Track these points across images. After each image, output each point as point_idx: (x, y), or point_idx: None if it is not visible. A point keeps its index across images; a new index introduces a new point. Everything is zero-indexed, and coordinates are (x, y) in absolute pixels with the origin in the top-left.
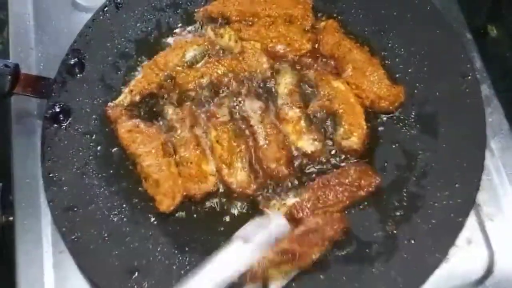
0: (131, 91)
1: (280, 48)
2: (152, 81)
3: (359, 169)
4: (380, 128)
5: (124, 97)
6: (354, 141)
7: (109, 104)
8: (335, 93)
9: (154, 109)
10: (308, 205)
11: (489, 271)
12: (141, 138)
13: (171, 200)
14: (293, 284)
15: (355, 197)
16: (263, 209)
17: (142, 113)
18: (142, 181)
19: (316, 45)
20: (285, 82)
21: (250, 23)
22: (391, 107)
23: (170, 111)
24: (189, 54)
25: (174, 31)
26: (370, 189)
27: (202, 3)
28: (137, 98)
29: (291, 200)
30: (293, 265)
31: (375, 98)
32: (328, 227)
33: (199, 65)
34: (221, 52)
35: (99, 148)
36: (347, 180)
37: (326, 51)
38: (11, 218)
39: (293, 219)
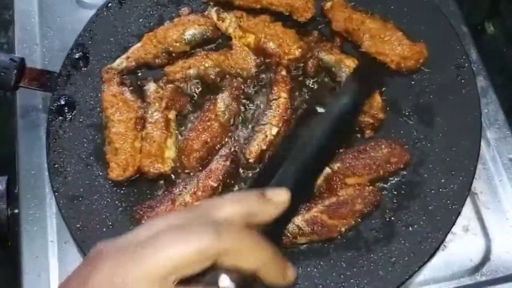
0: (128, 57)
1: (270, 46)
2: (149, 51)
3: (391, 144)
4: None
5: (120, 62)
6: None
7: (106, 67)
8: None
9: (138, 83)
10: (340, 176)
11: (486, 258)
12: (121, 106)
13: (122, 171)
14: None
15: (384, 170)
16: None
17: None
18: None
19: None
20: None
21: (253, 16)
22: (417, 65)
23: (151, 87)
24: (189, 33)
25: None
26: (399, 165)
27: None
28: (133, 64)
29: None
30: (320, 237)
31: (399, 60)
32: (358, 200)
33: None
34: (220, 39)
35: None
36: (378, 154)
37: (339, 27)
38: (16, 211)
39: (329, 189)
